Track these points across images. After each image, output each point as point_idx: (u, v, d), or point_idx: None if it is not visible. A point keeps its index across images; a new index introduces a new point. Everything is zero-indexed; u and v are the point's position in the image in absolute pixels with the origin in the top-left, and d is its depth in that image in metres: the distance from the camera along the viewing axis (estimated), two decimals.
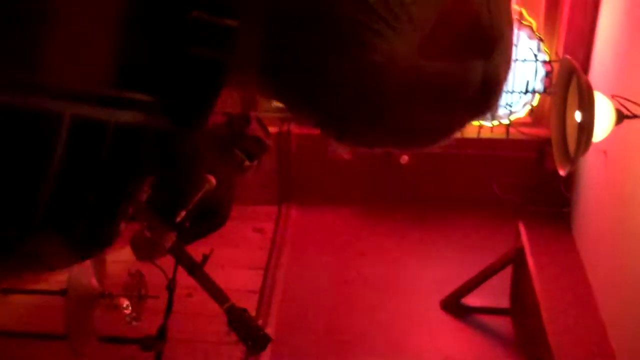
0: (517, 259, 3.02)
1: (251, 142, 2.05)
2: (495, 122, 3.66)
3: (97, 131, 0.63)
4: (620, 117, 2.41)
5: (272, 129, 3.83)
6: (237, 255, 3.51)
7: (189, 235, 2.48)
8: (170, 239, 2.20)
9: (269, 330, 2.79)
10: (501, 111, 3.63)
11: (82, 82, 0.63)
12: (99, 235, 0.70)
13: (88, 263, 2.27)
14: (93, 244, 0.72)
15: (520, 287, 3.05)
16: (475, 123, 3.60)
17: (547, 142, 3.17)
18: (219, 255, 3.37)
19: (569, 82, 2.48)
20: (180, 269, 2.62)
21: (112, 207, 0.70)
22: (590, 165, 3.39)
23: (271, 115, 3.87)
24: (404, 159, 3.76)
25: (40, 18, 0.61)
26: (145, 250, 2.19)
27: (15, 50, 0.60)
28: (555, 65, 3.37)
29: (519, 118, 3.68)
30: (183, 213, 2.20)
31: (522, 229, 2.98)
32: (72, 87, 0.62)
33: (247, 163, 2.06)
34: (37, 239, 0.65)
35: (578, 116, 2.31)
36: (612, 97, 2.47)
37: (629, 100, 2.45)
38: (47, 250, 0.68)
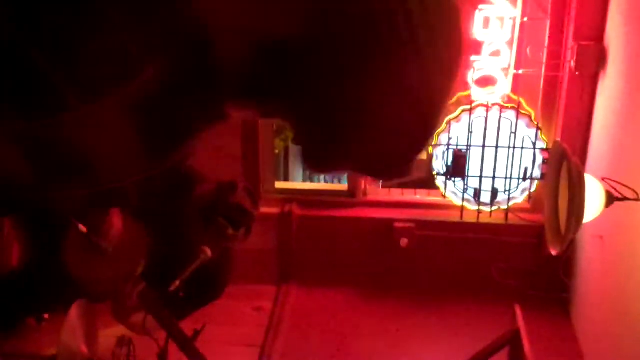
0: (513, 341, 3.00)
1: (235, 210, 2.10)
2: (495, 208, 3.71)
3: None
4: (611, 199, 2.46)
5: (273, 210, 3.92)
6: (234, 333, 3.51)
7: (185, 307, 2.51)
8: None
9: None
10: (500, 197, 3.69)
11: None
12: None
13: (78, 327, 2.29)
14: None
15: None
16: (474, 208, 3.66)
17: (545, 227, 3.21)
18: (217, 332, 3.39)
19: (560, 166, 2.54)
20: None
21: None
22: (587, 251, 3.41)
23: (273, 197, 3.95)
24: (404, 241, 3.80)
25: None
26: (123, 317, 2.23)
27: None
28: None
29: (518, 204, 3.72)
30: (177, 282, 2.24)
31: (518, 311, 2.97)
32: None
33: (230, 231, 2.10)
34: None
35: (568, 197, 2.36)
36: (603, 179, 2.52)
37: (619, 183, 2.50)
38: None
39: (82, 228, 2.27)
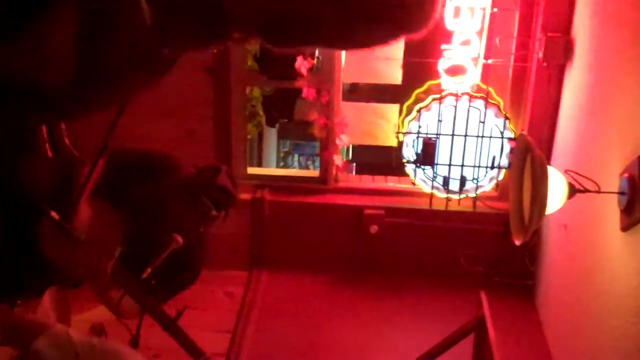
0: (478, 328, 3.07)
1: (219, 192, 2.14)
2: (463, 196, 3.77)
3: None
4: (573, 191, 2.52)
5: (245, 196, 3.95)
6: (205, 318, 3.54)
7: (162, 292, 2.54)
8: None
9: None
10: (469, 185, 3.75)
11: None
12: None
13: (51, 313, 2.31)
14: None
15: (481, 356, 3.09)
16: (443, 196, 3.71)
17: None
18: (188, 317, 3.41)
19: (525, 157, 2.59)
20: (146, 329, 2.66)
21: None
22: (552, 240, 3.49)
23: (245, 182, 3.97)
24: (374, 228, 3.85)
25: None
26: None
27: None
28: None
29: (486, 192, 3.78)
30: (149, 270, 2.27)
31: (483, 298, 3.03)
32: None
33: (214, 212, 2.14)
34: None
35: (531, 189, 2.41)
36: (566, 172, 2.58)
37: (581, 175, 2.56)
38: None
39: (54, 215, 2.29)
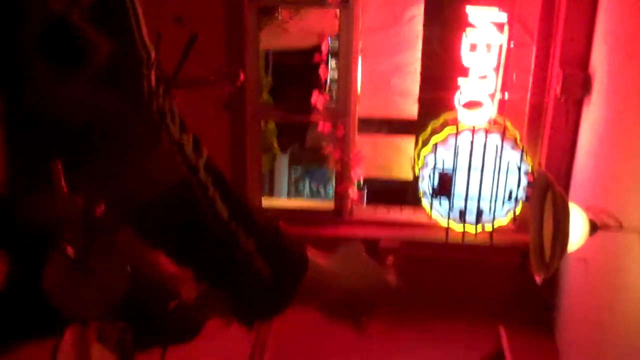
0: None
1: None
2: (480, 229, 3.76)
3: None
4: (594, 227, 2.51)
5: None
6: (219, 348, 3.52)
7: (144, 341, 2.54)
8: None
9: None
10: (485, 218, 3.74)
11: None
12: None
13: (72, 355, 2.30)
14: None
15: None
16: (460, 229, 3.70)
17: (529, 248, 3.26)
18: (201, 348, 3.40)
19: (545, 193, 2.59)
20: None
21: None
22: (571, 272, 3.47)
23: None
24: (390, 259, 3.83)
25: None
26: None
27: None
28: None
29: (503, 225, 3.77)
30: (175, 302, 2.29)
31: (502, 332, 3.03)
32: None
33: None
34: None
35: (553, 226, 2.41)
36: (587, 208, 2.57)
37: (602, 212, 2.55)
38: None
39: (70, 251, 2.29)
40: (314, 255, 0.92)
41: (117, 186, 0.82)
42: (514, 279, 3.74)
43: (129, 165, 0.80)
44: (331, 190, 9.90)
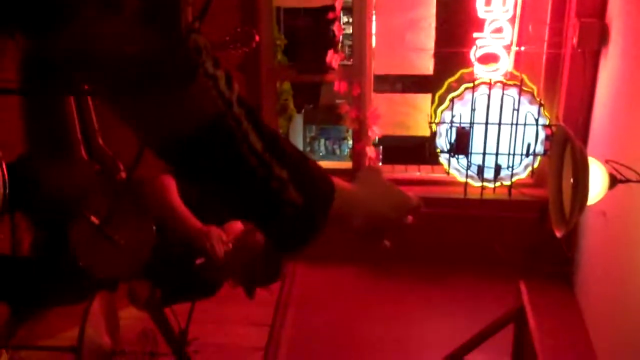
0: (518, 318, 3.06)
1: None
2: (498, 184, 3.75)
3: None
4: (614, 181, 2.49)
5: None
6: (243, 313, 3.56)
7: (171, 298, 2.58)
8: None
9: None
10: (503, 173, 3.73)
11: None
12: None
13: (101, 319, 2.34)
14: None
15: (522, 345, 3.09)
16: (478, 185, 3.69)
17: (548, 203, 3.24)
18: (225, 312, 3.45)
19: (564, 148, 2.57)
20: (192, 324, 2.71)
21: None
22: (590, 226, 3.46)
23: None
24: (409, 218, 3.84)
25: None
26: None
27: None
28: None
29: (521, 179, 3.76)
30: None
31: (522, 288, 3.02)
32: None
33: None
34: None
35: (572, 181, 2.39)
36: (606, 162, 2.55)
37: (622, 165, 2.53)
38: None
39: (94, 219, 2.32)
40: (338, 182, 0.95)
41: (157, 121, 0.84)
42: (533, 233, 3.73)
43: (169, 99, 0.82)
44: (347, 149, 9.89)
